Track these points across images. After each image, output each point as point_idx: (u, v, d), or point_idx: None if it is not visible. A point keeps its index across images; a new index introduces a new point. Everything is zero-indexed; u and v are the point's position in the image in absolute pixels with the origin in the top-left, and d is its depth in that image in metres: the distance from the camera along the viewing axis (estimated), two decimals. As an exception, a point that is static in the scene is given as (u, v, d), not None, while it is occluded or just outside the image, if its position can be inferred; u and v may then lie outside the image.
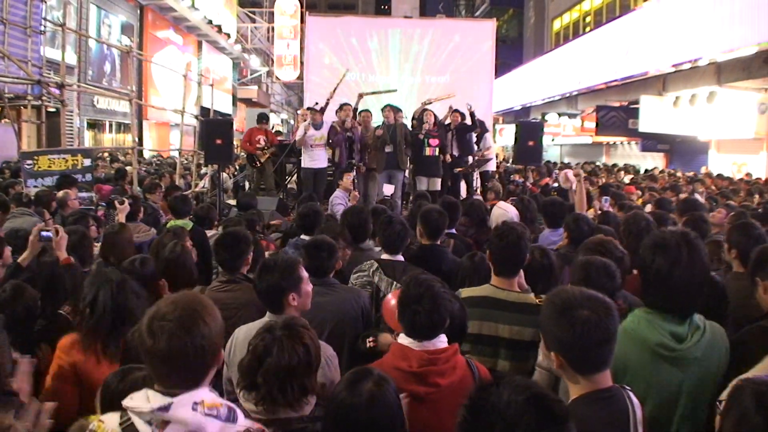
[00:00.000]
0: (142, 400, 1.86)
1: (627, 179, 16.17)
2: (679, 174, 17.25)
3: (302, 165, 10.66)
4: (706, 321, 2.59)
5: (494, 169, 12.52)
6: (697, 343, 2.50)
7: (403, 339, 2.69)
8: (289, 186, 12.71)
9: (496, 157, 15.91)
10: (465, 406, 1.71)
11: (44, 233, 4.25)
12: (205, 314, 1.93)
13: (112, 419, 1.93)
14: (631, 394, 2.20)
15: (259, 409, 2.32)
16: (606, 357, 2.14)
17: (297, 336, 2.38)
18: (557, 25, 35.08)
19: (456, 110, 11.14)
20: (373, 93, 12.29)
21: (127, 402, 1.89)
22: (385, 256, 4.36)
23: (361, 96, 11.50)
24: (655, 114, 19.35)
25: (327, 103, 11.01)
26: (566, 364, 2.13)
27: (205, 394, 1.90)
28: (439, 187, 10.47)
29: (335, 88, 11.36)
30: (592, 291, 2.17)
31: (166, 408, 1.82)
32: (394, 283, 4.04)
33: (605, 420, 2.10)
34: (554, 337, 2.13)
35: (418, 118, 10.72)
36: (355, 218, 5.01)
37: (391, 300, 3.05)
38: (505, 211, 5.79)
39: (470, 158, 11.36)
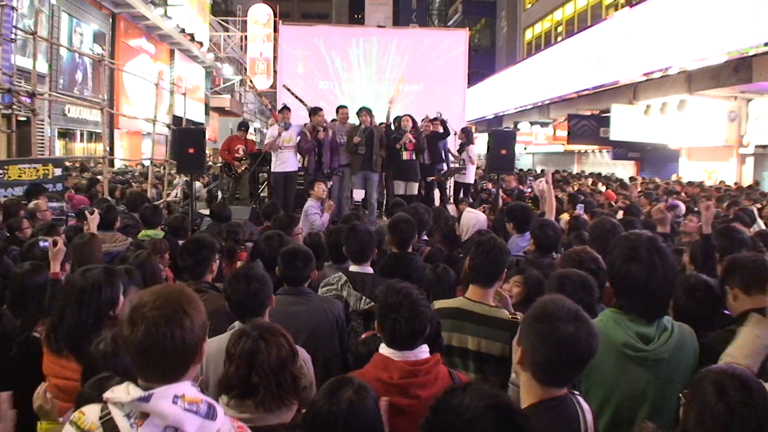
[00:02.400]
0: (123, 392, 1.82)
1: (599, 186, 16.31)
2: (657, 182, 17.29)
3: (271, 169, 10.47)
4: (674, 322, 2.62)
5: (472, 180, 12.52)
6: (664, 344, 2.52)
7: (384, 350, 2.66)
8: (262, 195, 12.59)
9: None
10: (431, 406, 1.71)
11: (42, 243, 4.16)
12: (188, 306, 1.89)
13: (92, 412, 1.89)
14: (581, 399, 2.21)
15: (246, 417, 2.25)
16: (576, 376, 2.16)
17: (273, 330, 2.39)
18: (529, 34, 35.42)
19: (423, 119, 11.18)
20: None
21: (107, 394, 1.86)
22: (353, 268, 4.26)
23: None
24: (626, 122, 19.57)
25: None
26: (532, 376, 2.11)
27: (186, 388, 1.85)
28: (416, 192, 10.51)
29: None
30: (580, 311, 2.12)
31: (146, 399, 1.78)
32: (363, 297, 3.98)
33: (556, 428, 2.10)
34: (532, 347, 2.09)
35: (395, 123, 10.72)
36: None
37: None
38: (474, 215, 5.83)
39: (445, 166, 11.41)
